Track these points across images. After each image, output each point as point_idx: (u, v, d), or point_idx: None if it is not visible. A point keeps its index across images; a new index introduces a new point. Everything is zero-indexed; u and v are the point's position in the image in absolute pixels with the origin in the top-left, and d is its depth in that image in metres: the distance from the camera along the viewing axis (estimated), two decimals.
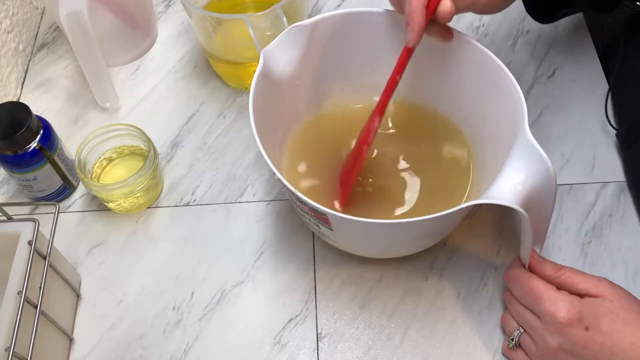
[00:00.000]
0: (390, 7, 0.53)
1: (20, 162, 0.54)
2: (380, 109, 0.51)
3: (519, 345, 0.49)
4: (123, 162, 0.61)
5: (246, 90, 0.68)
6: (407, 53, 0.49)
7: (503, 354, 0.51)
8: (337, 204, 0.55)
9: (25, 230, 0.47)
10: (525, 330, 0.48)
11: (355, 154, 0.54)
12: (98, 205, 0.61)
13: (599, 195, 0.59)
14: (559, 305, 0.45)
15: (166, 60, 0.71)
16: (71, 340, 0.53)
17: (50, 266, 0.49)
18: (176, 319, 0.54)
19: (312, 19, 0.52)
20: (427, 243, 0.53)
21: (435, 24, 0.48)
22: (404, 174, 0.57)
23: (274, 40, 0.51)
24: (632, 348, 0.42)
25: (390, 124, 0.60)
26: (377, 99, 0.51)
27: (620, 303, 0.44)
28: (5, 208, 0.49)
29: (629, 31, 0.65)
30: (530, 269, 0.49)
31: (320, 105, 0.60)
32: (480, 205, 0.43)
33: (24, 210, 0.60)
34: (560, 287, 0.47)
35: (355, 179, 0.53)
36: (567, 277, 0.47)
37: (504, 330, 0.51)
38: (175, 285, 0.56)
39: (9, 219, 0.49)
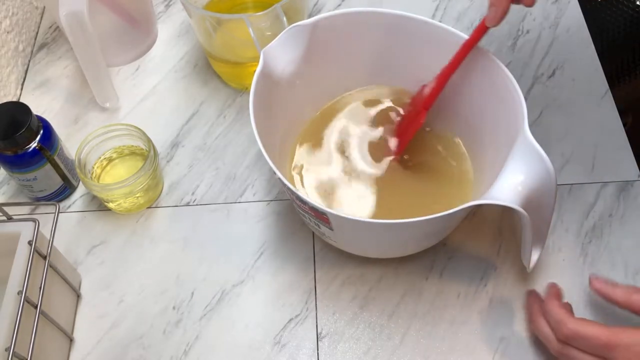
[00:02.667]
0: (390, 8, 0.53)
1: (20, 162, 0.54)
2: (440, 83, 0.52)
3: None
4: (123, 162, 0.61)
5: (246, 90, 0.68)
6: (482, 31, 0.48)
7: None
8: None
9: (26, 230, 0.47)
10: None
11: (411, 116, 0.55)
12: (98, 205, 0.61)
13: (599, 195, 0.59)
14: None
15: (166, 60, 0.71)
16: (71, 340, 0.53)
17: (50, 266, 0.49)
18: (176, 319, 0.54)
19: (312, 19, 0.52)
20: (427, 243, 0.53)
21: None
22: (404, 174, 0.57)
23: (274, 40, 0.51)
24: None
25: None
26: (376, 98, 0.50)
27: None
28: (5, 208, 0.49)
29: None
30: (600, 294, 0.47)
31: (321, 105, 0.60)
32: (480, 205, 0.43)
33: (24, 210, 0.60)
34: (636, 311, 0.45)
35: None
36: None
37: None
38: (175, 285, 0.56)
39: (9, 219, 0.49)
